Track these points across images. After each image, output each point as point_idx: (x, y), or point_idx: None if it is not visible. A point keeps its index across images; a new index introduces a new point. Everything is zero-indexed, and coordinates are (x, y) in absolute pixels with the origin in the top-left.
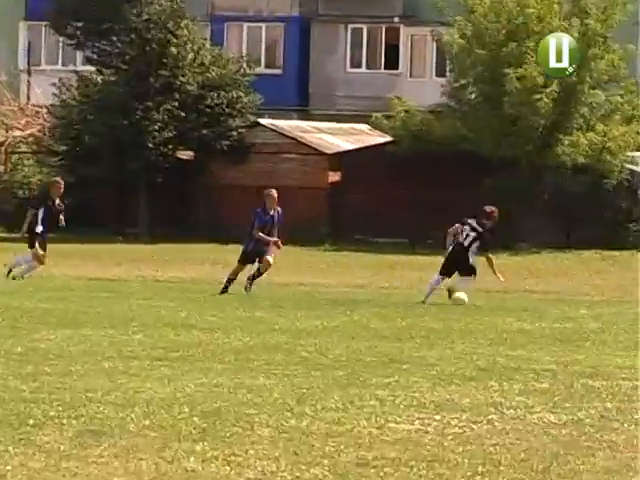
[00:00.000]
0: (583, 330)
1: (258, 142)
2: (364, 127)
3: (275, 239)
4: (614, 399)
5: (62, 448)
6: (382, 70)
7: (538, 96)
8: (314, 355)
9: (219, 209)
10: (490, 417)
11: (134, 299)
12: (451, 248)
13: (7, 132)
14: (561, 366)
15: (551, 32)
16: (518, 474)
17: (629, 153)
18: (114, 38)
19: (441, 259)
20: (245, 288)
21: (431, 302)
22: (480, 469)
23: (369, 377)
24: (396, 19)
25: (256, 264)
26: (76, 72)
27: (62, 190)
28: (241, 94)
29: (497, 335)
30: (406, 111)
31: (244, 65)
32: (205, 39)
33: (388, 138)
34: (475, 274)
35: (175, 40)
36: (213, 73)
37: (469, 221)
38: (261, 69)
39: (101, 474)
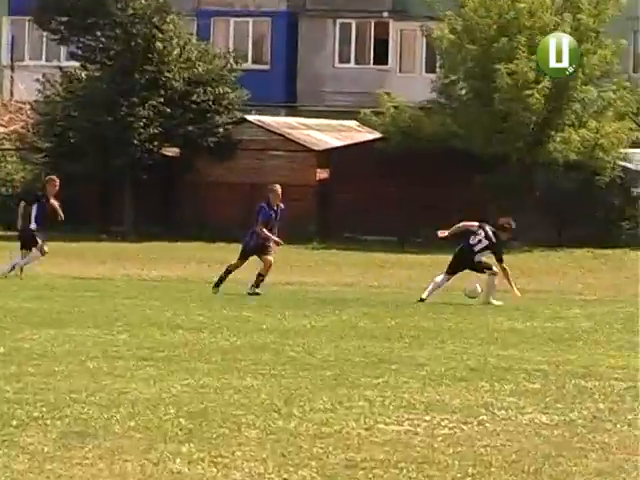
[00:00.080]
0: (575, 329)
1: (245, 139)
2: (353, 123)
3: (276, 238)
4: (607, 400)
5: (46, 450)
6: (371, 65)
7: (529, 92)
8: (302, 355)
9: (205, 207)
10: (481, 418)
11: (119, 298)
12: (459, 248)
13: None
14: (553, 366)
15: (542, 27)
16: (509, 476)
17: (622, 150)
18: (98, 33)
19: (430, 257)
20: (249, 293)
21: (429, 301)
22: (471, 471)
23: (358, 377)
24: (385, 14)
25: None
26: (60, 68)
27: (57, 187)
28: (228, 90)
29: (488, 334)
30: (395, 107)
31: (231, 60)
32: (191, 34)
33: (377, 135)
34: (491, 268)
35: (161, 35)
36: (199, 69)
37: (487, 227)
38: (248, 64)
39: (85, 476)
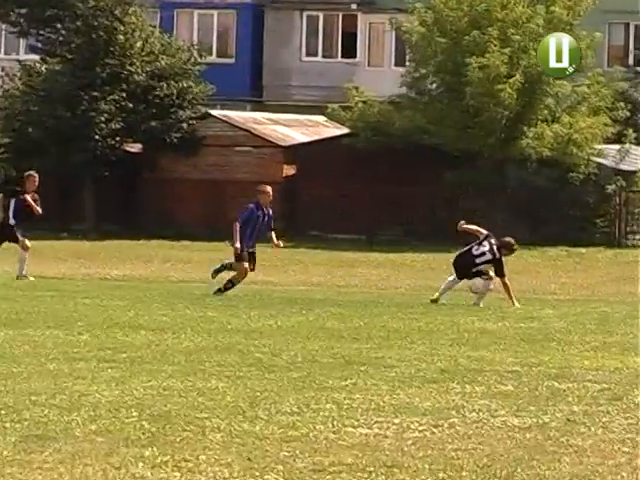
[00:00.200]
0: (548, 330)
1: (209, 134)
2: (320, 118)
3: (237, 245)
4: (581, 402)
5: (5, 453)
6: (339, 59)
7: (501, 86)
8: (268, 356)
9: (169, 204)
10: (452, 421)
11: (80, 298)
12: (459, 254)
13: None
14: (525, 367)
15: (515, 20)
16: None
17: (596, 146)
18: (59, 26)
19: (400, 256)
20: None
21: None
22: (441, 475)
23: (325, 379)
24: (354, 6)
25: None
26: (19, 61)
27: (37, 183)
28: (192, 84)
29: (459, 335)
30: (364, 102)
31: (195, 54)
32: (154, 27)
33: (345, 130)
34: (487, 273)
35: (123, 28)
36: (162, 62)
37: (492, 240)
38: (213, 58)
39: None
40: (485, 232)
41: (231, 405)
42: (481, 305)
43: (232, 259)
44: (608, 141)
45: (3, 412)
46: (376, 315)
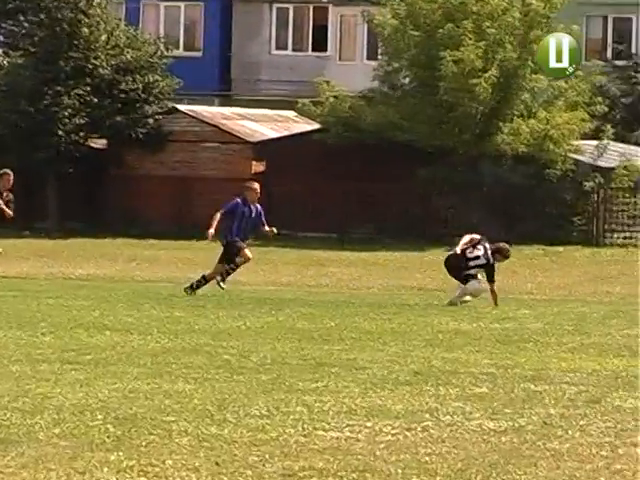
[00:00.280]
0: (524, 331)
1: (176, 130)
2: (290, 114)
3: (212, 231)
4: (558, 405)
5: None
6: (309, 53)
7: (476, 81)
8: (237, 358)
9: (135, 201)
10: (425, 424)
11: (43, 298)
12: (451, 255)
13: None
14: (501, 369)
15: (490, 12)
16: None
17: (573, 142)
18: (22, 18)
19: (372, 255)
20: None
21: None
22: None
23: (296, 381)
24: None
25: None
26: None
27: (12, 182)
28: (158, 78)
29: (432, 336)
30: (335, 97)
31: (161, 47)
32: (119, 19)
33: (316, 125)
34: (476, 276)
35: (87, 20)
36: (128, 56)
37: (487, 245)
38: (179, 51)
39: None
40: (478, 236)
41: (199, 408)
42: (465, 299)
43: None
44: (586, 137)
45: None
46: (348, 316)
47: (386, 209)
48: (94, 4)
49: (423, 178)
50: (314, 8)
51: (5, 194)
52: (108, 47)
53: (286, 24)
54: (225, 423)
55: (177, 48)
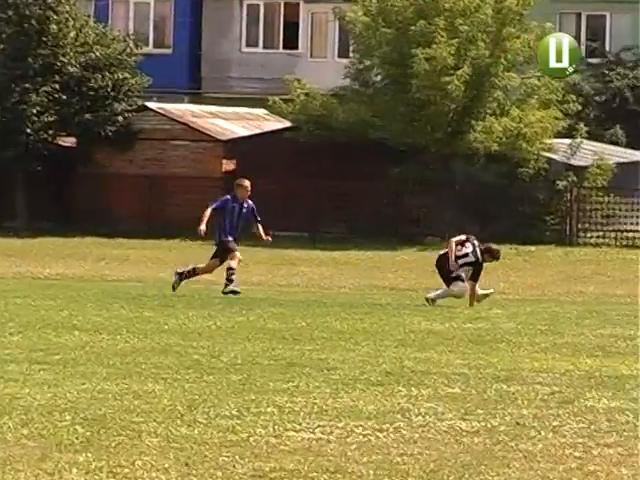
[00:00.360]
0: (497, 331)
1: (146, 128)
2: (261, 111)
3: (203, 227)
4: (530, 405)
5: None
6: (280, 50)
7: (448, 78)
8: (207, 358)
9: (104, 200)
10: (397, 425)
11: (11, 297)
12: (443, 253)
13: None
14: (473, 370)
15: (463, 9)
16: None
17: (546, 140)
18: None
19: (343, 254)
20: (175, 281)
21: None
22: None
23: (266, 382)
24: None
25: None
26: None
27: None
28: (127, 75)
29: (404, 336)
30: (306, 94)
31: (130, 44)
32: (88, 16)
33: (287, 123)
34: (460, 280)
35: (56, 17)
36: (97, 53)
37: (475, 242)
38: (149, 48)
39: None
40: (464, 236)
41: (168, 409)
42: (432, 297)
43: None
44: (559, 135)
45: None
46: (319, 315)
47: (358, 208)
48: (63, 1)
49: (395, 177)
50: (285, 5)
51: None
52: (77, 44)
53: (257, 21)
54: (195, 424)
55: (147, 45)
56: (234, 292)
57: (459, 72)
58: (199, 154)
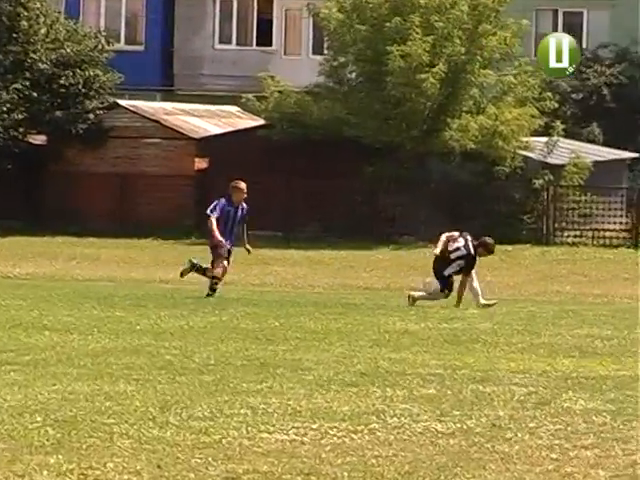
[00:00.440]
0: (473, 331)
1: (118, 125)
2: (234, 109)
3: (219, 238)
4: (506, 406)
5: None
6: (254, 47)
7: (424, 76)
8: (179, 359)
9: (75, 199)
10: (372, 426)
11: None
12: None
13: None
14: (449, 370)
15: (438, 6)
16: None
17: (523, 138)
18: None
19: (317, 253)
20: (189, 269)
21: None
22: None
23: (239, 383)
24: None
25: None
26: None
27: None
28: (99, 72)
29: (379, 336)
30: (280, 92)
31: (102, 41)
32: (59, 12)
33: (260, 121)
34: (446, 289)
35: (26, 13)
36: (68, 49)
37: (468, 237)
38: (121, 45)
39: None
40: (457, 233)
41: (140, 410)
42: (417, 295)
43: (210, 257)
44: (535, 133)
45: None
46: (293, 315)
47: (333, 207)
48: None
49: (370, 175)
50: (258, 1)
51: None
52: (48, 41)
53: (230, 17)
54: (167, 425)
55: (118, 42)
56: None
57: (434, 69)
58: (171, 152)
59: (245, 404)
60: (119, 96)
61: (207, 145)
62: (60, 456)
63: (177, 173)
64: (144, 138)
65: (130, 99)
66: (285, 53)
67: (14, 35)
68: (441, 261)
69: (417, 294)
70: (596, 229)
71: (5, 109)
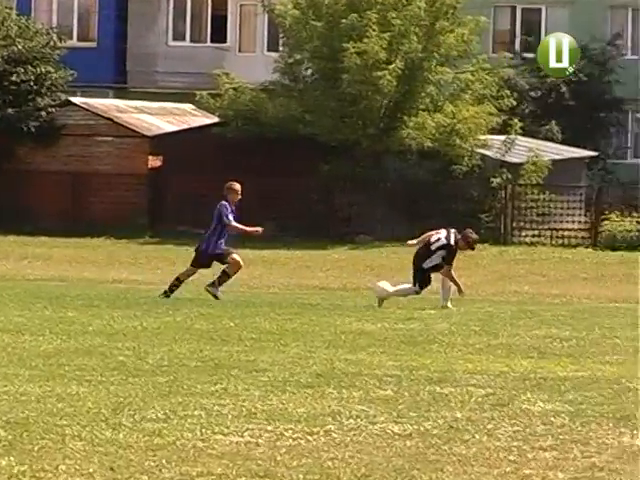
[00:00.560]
0: (430, 331)
1: (70, 123)
2: (188, 107)
3: (249, 229)
4: (464, 408)
5: None
6: (208, 43)
7: (380, 73)
8: (132, 360)
9: (26, 197)
10: (328, 428)
11: None
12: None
13: None
14: (406, 371)
15: (395, 3)
16: None
17: (480, 136)
18: None
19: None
20: (215, 296)
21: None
22: None
23: (193, 384)
24: None
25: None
26: None
27: None
28: (51, 69)
29: (335, 337)
30: (234, 89)
31: (54, 37)
32: (10, 8)
33: (215, 119)
34: (421, 284)
35: None
36: (19, 46)
37: (451, 230)
38: (73, 42)
39: None
40: (443, 229)
41: (93, 412)
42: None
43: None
44: (493, 131)
45: None
46: (247, 316)
47: (288, 206)
48: None
49: (326, 174)
50: None
51: None
52: None
53: (184, 14)
54: (120, 427)
55: (70, 38)
56: (167, 294)
57: (391, 67)
58: (124, 150)
59: (199, 406)
60: (71, 93)
61: (161, 143)
62: (12, 458)
63: (130, 171)
64: (97, 136)
65: (83, 96)
66: (240, 50)
67: None
68: (422, 253)
69: (390, 290)
70: (555, 228)
71: None
